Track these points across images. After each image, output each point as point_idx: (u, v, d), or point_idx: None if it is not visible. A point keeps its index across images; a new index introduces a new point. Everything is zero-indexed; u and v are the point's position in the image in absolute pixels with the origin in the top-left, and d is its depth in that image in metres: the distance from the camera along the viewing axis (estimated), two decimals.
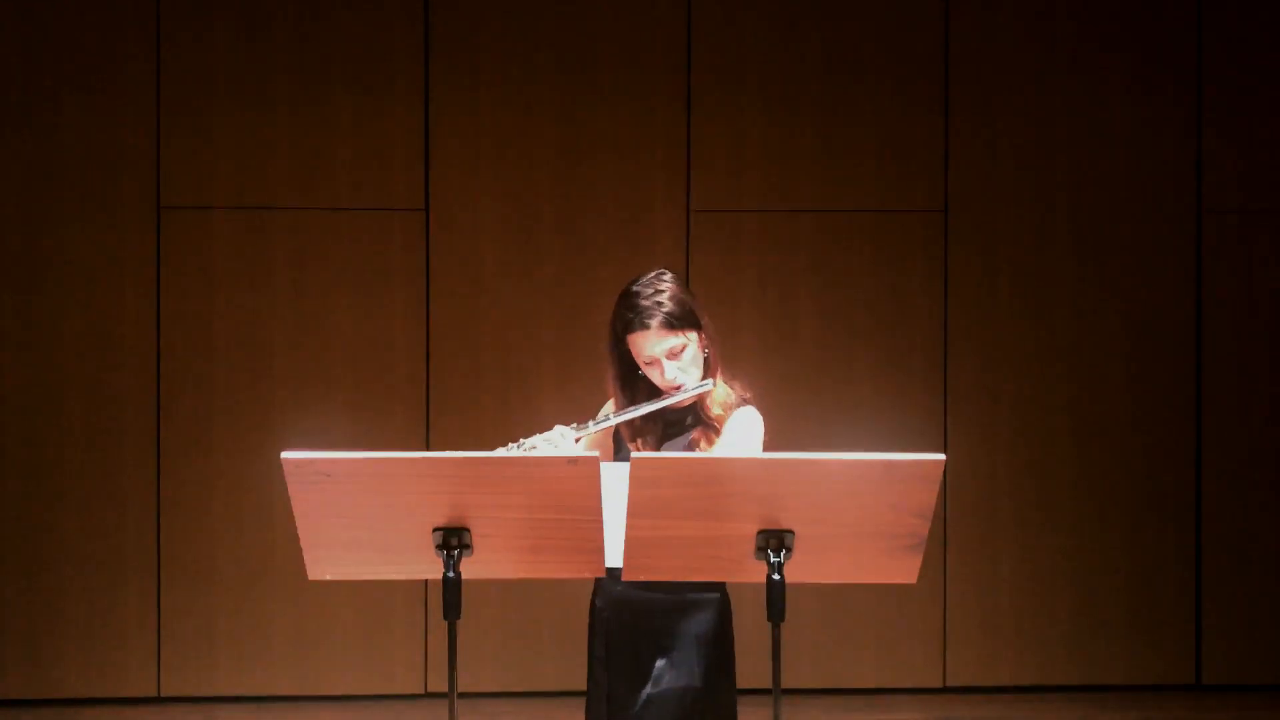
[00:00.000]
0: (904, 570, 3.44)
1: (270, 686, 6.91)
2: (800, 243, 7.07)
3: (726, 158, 7.05)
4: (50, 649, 6.84)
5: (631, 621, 3.84)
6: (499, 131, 6.99)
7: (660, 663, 3.81)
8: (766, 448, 3.90)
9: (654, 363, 3.85)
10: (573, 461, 3.35)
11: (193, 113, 6.89)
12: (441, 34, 6.98)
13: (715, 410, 3.89)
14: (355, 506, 3.37)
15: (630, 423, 3.89)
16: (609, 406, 3.99)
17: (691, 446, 3.86)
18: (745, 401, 3.92)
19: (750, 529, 3.38)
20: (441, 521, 3.38)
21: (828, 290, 7.07)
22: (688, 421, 3.91)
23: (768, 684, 3.47)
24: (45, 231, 6.85)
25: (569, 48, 7.01)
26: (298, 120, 6.92)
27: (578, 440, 3.82)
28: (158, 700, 6.89)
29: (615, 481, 3.57)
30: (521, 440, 3.79)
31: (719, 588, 3.85)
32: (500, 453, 3.72)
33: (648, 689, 3.81)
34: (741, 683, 6.94)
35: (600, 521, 3.38)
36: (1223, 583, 7.14)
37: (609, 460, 3.93)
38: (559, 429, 3.80)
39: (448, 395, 6.93)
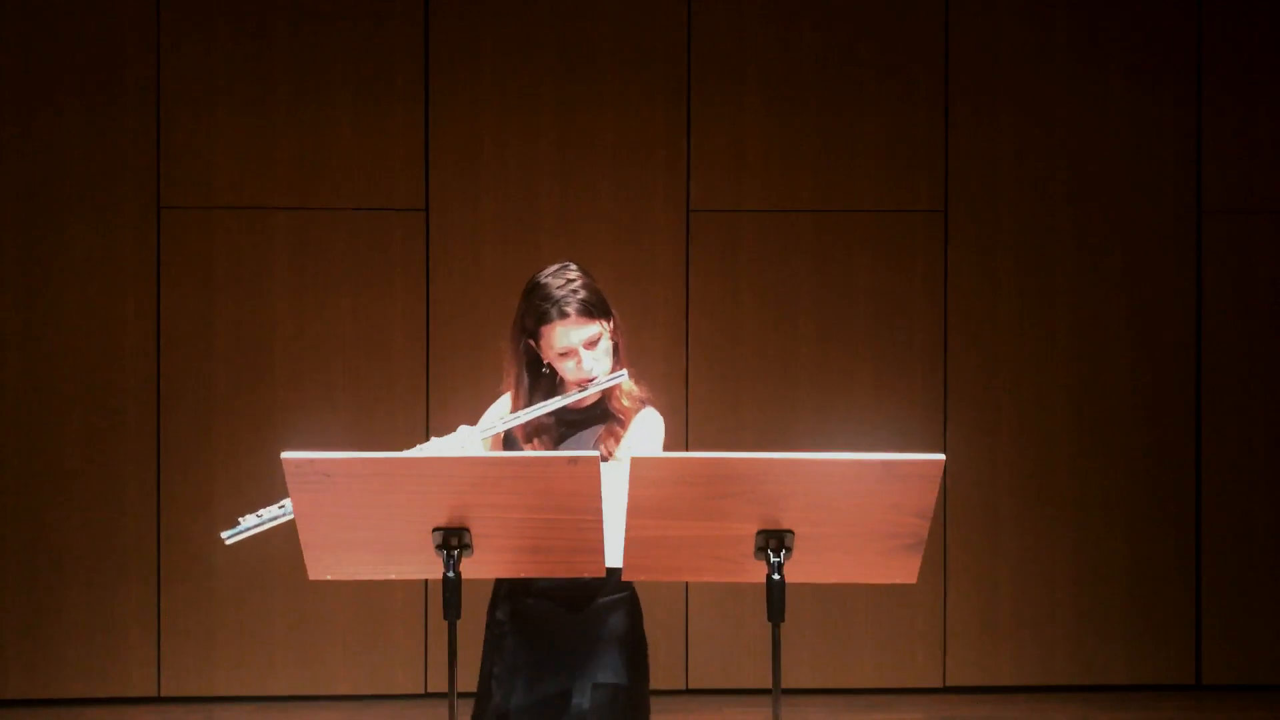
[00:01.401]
0: (904, 570, 3.44)
1: (270, 686, 6.92)
2: (800, 243, 7.07)
3: (726, 158, 7.05)
4: (50, 649, 6.84)
5: (537, 633, 3.77)
6: (499, 131, 6.99)
7: (573, 673, 3.71)
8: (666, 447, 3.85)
9: (570, 353, 3.75)
10: (573, 461, 3.35)
11: (193, 113, 6.89)
12: (441, 34, 6.98)
13: (624, 402, 3.80)
14: (355, 506, 3.37)
15: (527, 422, 3.77)
16: (501, 404, 3.89)
17: (597, 444, 3.76)
18: (646, 403, 3.83)
19: (750, 529, 3.38)
20: (441, 521, 3.38)
21: (828, 290, 7.07)
22: (595, 414, 3.82)
23: (768, 684, 3.47)
24: (45, 231, 6.85)
25: (568, 47, 7.01)
26: (298, 120, 6.93)
27: (483, 440, 3.72)
28: (158, 700, 6.90)
29: (615, 481, 3.57)
30: (424, 444, 3.71)
31: (627, 586, 3.79)
32: (411, 454, 3.63)
33: (561, 699, 3.71)
34: (741, 683, 6.96)
35: (600, 521, 3.38)
36: (1223, 583, 7.14)
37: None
38: (464, 429, 3.72)
39: (448, 395, 6.93)
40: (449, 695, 3.44)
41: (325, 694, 6.94)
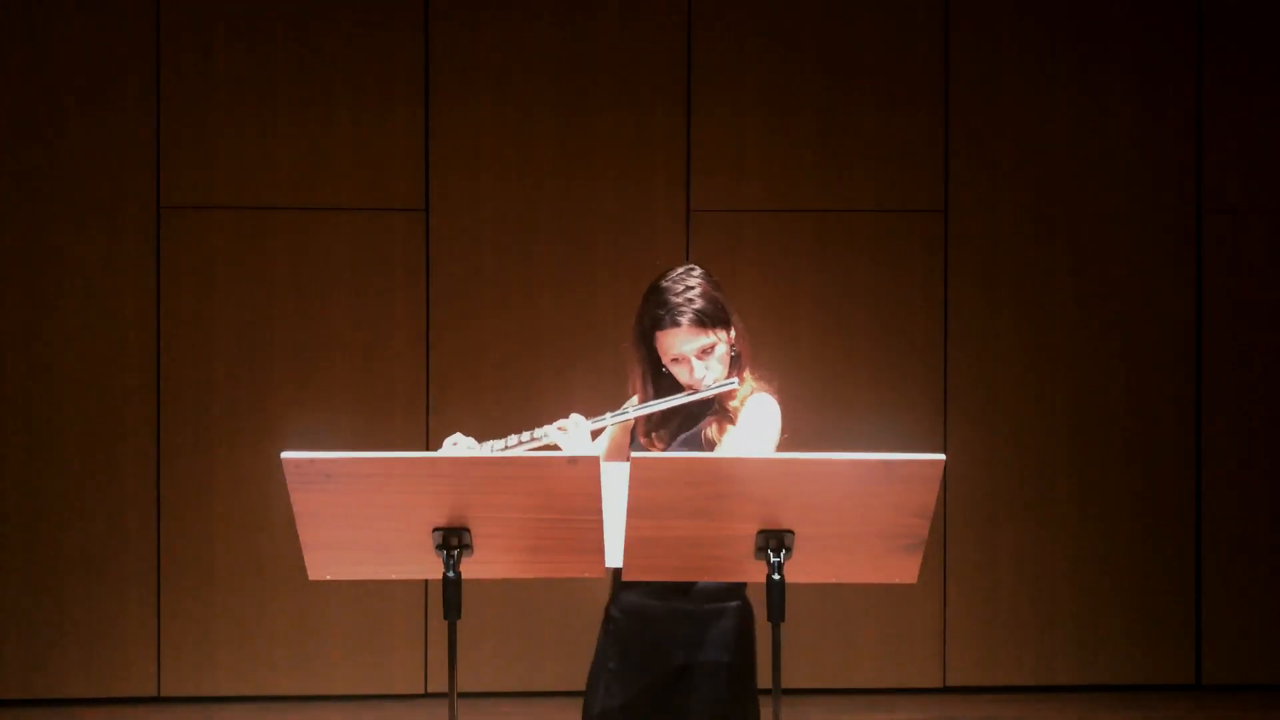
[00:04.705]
0: (904, 570, 3.44)
1: (270, 686, 6.92)
2: (800, 243, 7.07)
3: (726, 158, 7.05)
4: (50, 649, 6.84)
5: (648, 632, 3.76)
6: (499, 132, 6.99)
7: (682, 675, 3.73)
8: (783, 442, 3.84)
9: (681, 360, 3.78)
10: (573, 461, 3.35)
11: (193, 113, 6.89)
12: (441, 34, 6.98)
13: (734, 403, 3.82)
14: (355, 506, 3.37)
15: (648, 417, 3.82)
16: (632, 402, 3.91)
17: (704, 431, 3.79)
18: (760, 390, 3.84)
19: (750, 529, 3.38)
20: (441, 521, 3.38)
21: (828, 290, 7.07)
22: (712, 406, 3.83)
23: (768, 684, 3.47)
24: (45, 231, 6.85)
25: (569, 48, 7.01)
26: (298, 120, 6.92)
27: (594, 433, 3.77)
28: (158, 700, 6.90)
29: (615, 481, 3.57)
30: (534, 431, 3.77)
31: (739, 594, 3.77)
32: (510, 441, 3.73)
33: (665, 700, 3.73)
34: None
35: (600, 521, 3.38)
36: (1223, 583, 7.14)
37: (625, 432, 3.91)
38: (575, 417, 3.74)
39: (448, 395, 6.93)
40: (449, 695, 3.44)
41: (325, 694, 6.93)
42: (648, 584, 3.71)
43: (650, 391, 3.84)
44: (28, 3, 6.84)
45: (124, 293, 6.88)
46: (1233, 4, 7.14)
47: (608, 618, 3.85)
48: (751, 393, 3.83)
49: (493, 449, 3.76)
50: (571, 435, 3.73)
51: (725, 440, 3.78)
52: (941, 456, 3.38)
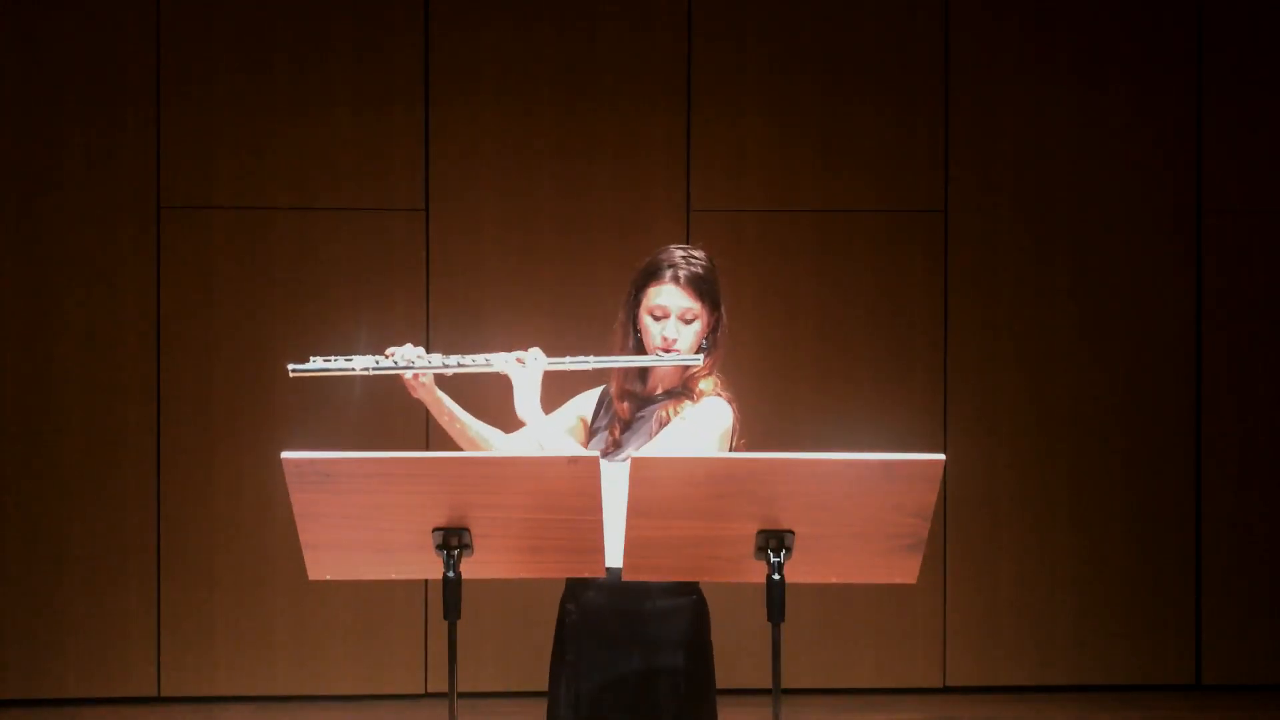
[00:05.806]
0: (904, 570, 3.44)
1: (270, 686, 6.92)
2: (800, 243, 7.07)
3: (726, 158, 7.05)
4: (50, 649, 6.84)
5: (602, 629, 3.75)
6: (499, 131, 6.99)
7: (634, 671, 3.72)
8: (741, 446, 3.83)
9: (660, 315, 3.80)
10: (573, 461, 3.35)
11: (193, 113, 6.89)
12: (441, 34, 6.98)
13: (701, 386, 3.81)
14: (355, 506, 3.38)
15: (621, 386, 3.84)
16: (592, 395, 3.95)
17: (660, 411, 3.80)
18: (720, 395, 3.83)
19: (750, 529, 3.38)
20: (441, 521, 3.38)
21: (828, 290, 7.07)
22: (672, 395, 3.83)
23: (768, 684, 3.47)
24: (45, 231, 6.85)
25: (569, 48, 7.01)
26: (298, 120, 6.92)
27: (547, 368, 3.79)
28: (158, 700, 6.90)
29: (615, 481, 3.57)
30: (490, 356, 3.79)
31: (694, 590, 3.76)
32: (464, 360, 3.77)
33: (621, 698, 3.73)
34: (741, 683, 6.96)
35: (600, 521, 3.38)
36: (1223, 583, 7.14)
37: (585, 428, 3.92)
38: (534, 351, 3.79)
39: (447, 395, 6.92)
40: (449, 695, 3.44)
41: (325, 694, 6.94)
42: (601, 579, 3.70)
43: (628, 348, 3.86)
44: (28, 3, 6.84)
45: (124, 293, 6.88)
46: (1232, 5, 7.14)
47: (563, 611, 3.85)
48: (713, 391, 3.83)
49: (444, 362, 3.78)
50: (527, 369, 3.76)
51: (671, 426, 3.76)
52: (941, 456, 3.38)
